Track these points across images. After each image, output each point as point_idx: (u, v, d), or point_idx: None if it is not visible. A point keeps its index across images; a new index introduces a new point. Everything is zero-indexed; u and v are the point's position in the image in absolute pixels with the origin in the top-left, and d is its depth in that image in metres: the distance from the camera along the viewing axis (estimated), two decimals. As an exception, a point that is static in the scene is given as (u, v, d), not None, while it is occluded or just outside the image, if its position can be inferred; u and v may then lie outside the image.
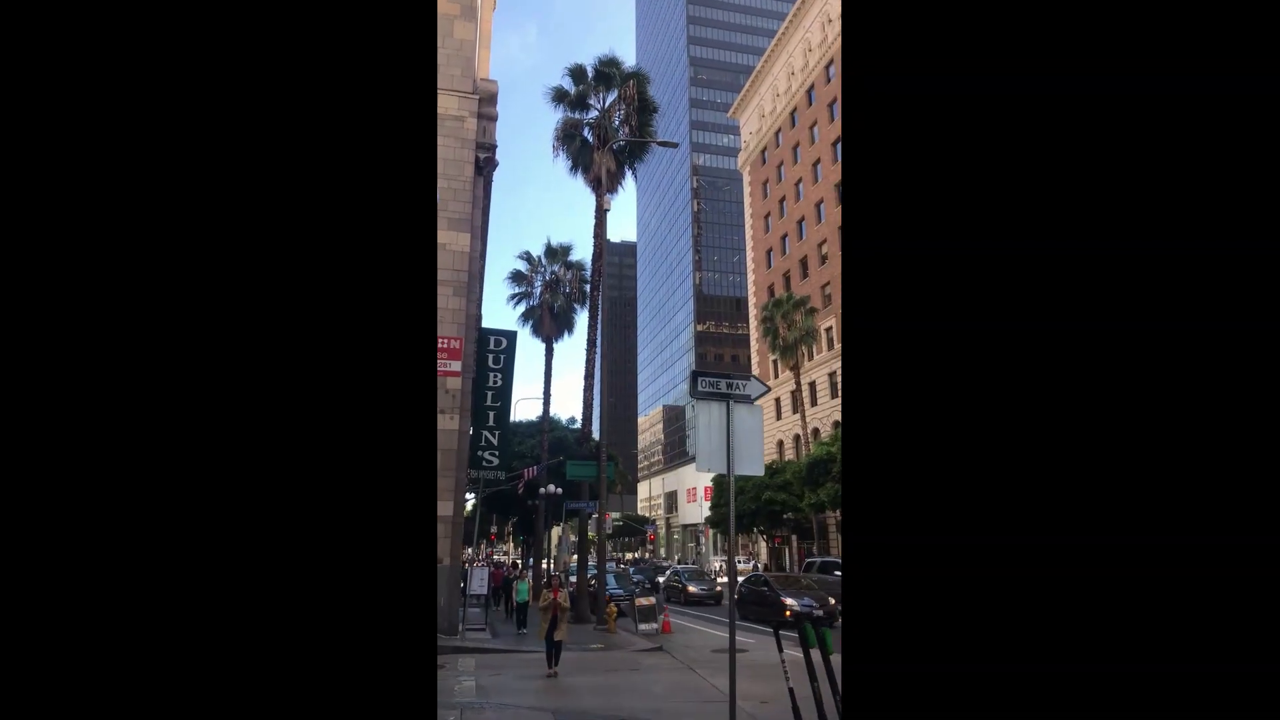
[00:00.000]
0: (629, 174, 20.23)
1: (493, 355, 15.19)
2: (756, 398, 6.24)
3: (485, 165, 16.15)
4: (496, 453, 14.84)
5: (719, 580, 23.04)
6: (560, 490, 26.48)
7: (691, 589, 21.93)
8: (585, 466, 16.09)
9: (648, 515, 72.94)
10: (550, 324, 28.40)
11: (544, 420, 28.85)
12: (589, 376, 19.06)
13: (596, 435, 20.89)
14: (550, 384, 28.37)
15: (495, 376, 15.11)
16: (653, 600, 15.55)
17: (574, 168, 19.82)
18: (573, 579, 21.38)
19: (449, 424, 14.16)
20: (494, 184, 16.94)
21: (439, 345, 14.21)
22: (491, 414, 14.95)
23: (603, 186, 18.98)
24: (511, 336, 15.92)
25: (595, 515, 16.40)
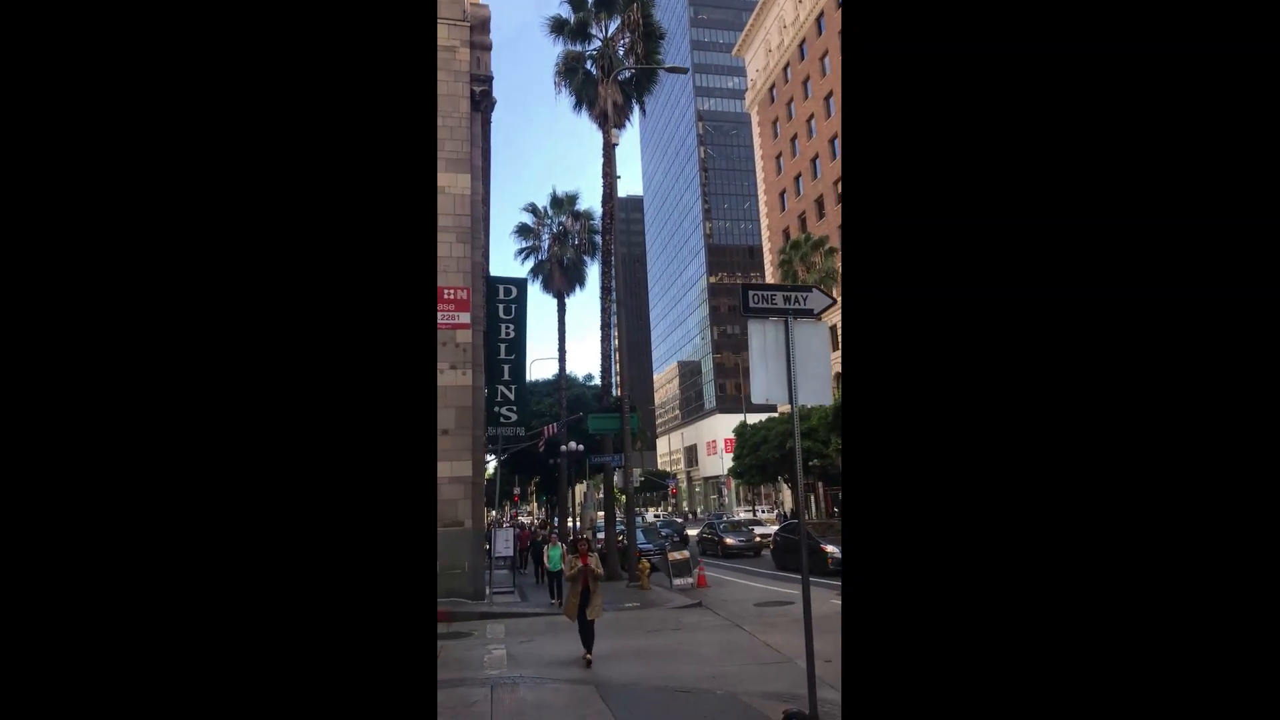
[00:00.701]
0: (636, 107, 18.86)
1: (503, 305, 14.21)
2: (820, 312, 5.23)
3: (482, 100, 14.89)
4: (514, 408, 13.98)
5: (757, 531, 22.24)
6: (582, 447, 25.94)
7: (729, 541, 21.14)
8: (607, 419, 15.22)
9: (668, 470, 72.88)
10: (560, 278, 27.32)
11: (560, 377, 28.13)
12: (605, 326, 18.08)
13: (616, 387, 19.97)
14: (564, 340, 27.50)
15: (507, 328, 14.15)
16: (686, 554, 14.89)
17: (578, 104, 18.49)
18: (600, 536, 20.83)
19: (462, 380, 13.27)
20: (494, 140, 15.72)
21: (444, 296, 13.24)
22: (506, 368, 14.04)
23: (609, 121, 17.66)
24: (521, 284, 14.93)
25: (620, 469, 15.59)
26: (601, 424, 15.33)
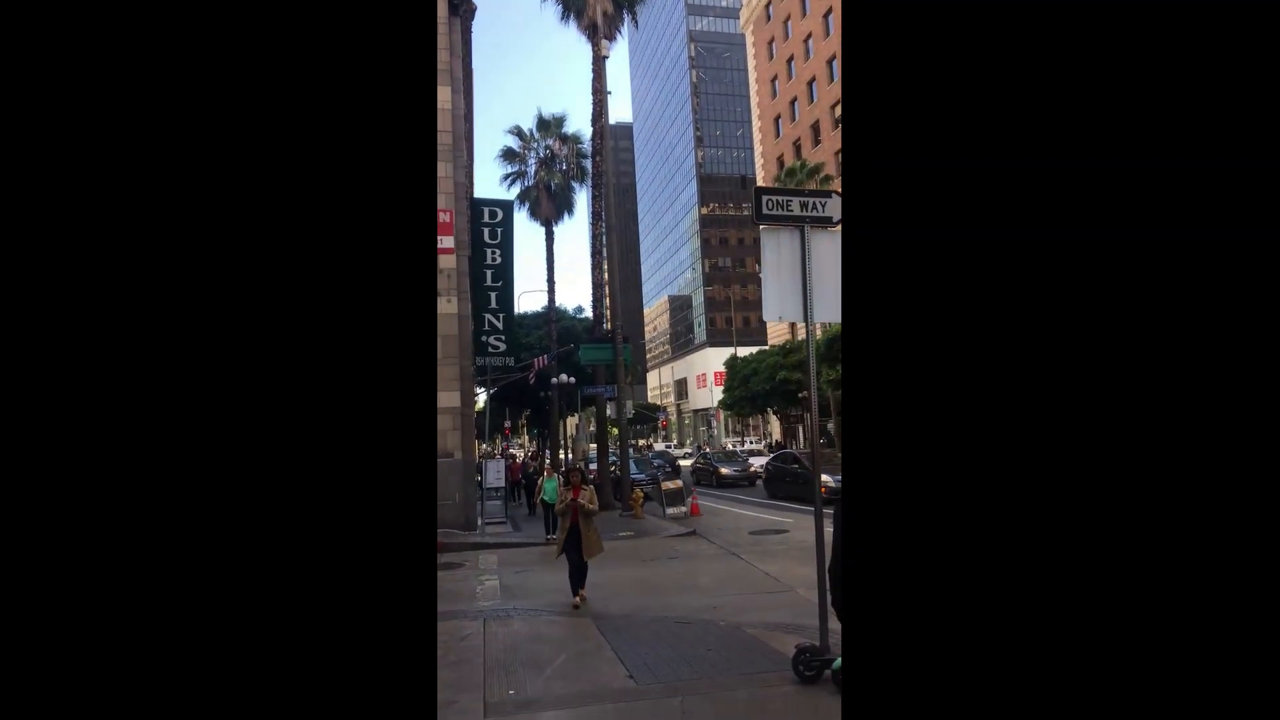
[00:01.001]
0: (627, 17, 17.64)
1: (488, 229, 13.51)
2: (838, 221, 4.73)
3: (460, 4, 13.76)
4: (503, 338, 13.50)
5: (752, 461, 22.15)
6: (573, 380, 25.66)
7: (724, 471, 21.04)
8: (600, 350, 14.80)
9: (658, 404, 73.27)
10: (548, 205, 26.34)
11: (550, 309, 27.54)
12: (596, 254, 17.43)
13: (606, 320, 19.47)
14: (553, 270, 26.79)
15: (493, 253, 13.51)
16: (679, 484, 14.80)
17: (565, 14, 17.26)
18: (593, 467, 20.75)
19: (447, 308, 12.72)
20: (476, 61, 14.58)
21: (427, 219, 12.54)
22: (493, 295, 13.47)
23: (599, 32, 16.53)
24: (508, 207, 14.19)
25: (613, 400, 15.29)
26: (594, 355, 14.91)
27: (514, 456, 23.55)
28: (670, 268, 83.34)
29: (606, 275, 16.49)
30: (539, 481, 12.95)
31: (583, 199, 29.50)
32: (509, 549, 11.20)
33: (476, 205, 13.78)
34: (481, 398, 24.56)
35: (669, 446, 54.85)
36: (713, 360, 59.11)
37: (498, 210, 13.70)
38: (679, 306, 79.95)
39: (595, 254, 17.24)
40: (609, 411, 17.10)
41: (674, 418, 75.61)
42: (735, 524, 12.85)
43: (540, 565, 9.33)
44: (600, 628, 5.52)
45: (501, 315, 13.44)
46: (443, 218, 12.75)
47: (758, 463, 20.68)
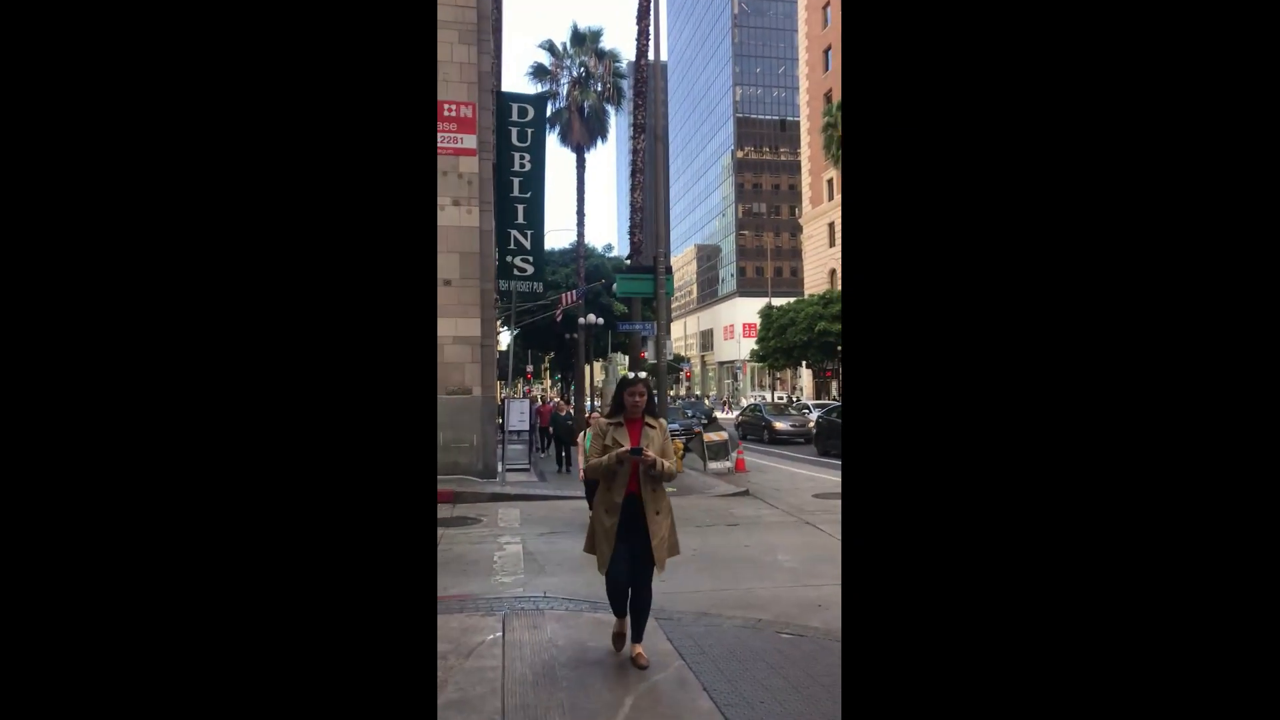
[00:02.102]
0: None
1: (516, 130, 11.46)
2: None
3: None
4: (530, 258, 11.58)
5: (810, 416, 20.05)
6: (601, 320, 23.88)
7: (778, 425, 19.01)
8: (638, 280, 12.84)
9: (682, 354, 71.44)
10: (580, 129, 24.10)
11: (578, 245, 25.60)
12: (636, 172, 15.30)
13: (624, 255, 17.41)
14: (584, 202, 24.68)
15: (521, 159, 11.49)
16: (724, 435, 13.05)
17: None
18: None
19: (466, 219, 10.83)
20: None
21: (444, 113, 10.55)
22: (520, 208, 11.50)
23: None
24: (540, 104, 12.10)
25: (652, 338, 13.40)
26: (631, 286, 12.96)
27: (542, 399, 21.53)
28: (698, 216, 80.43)
29: (641, 203, 14.39)
30: (579, 437, 8.73)
31: (617, 124, 27.13)
32: (533, 502, 9.57)
33: (503, 101, 11.70)
34: (505, 337, 22.91)
35: (698, 398, 53.37)
36: (741, 311, 56.98)
37: (528, 108, 11.62)
38: (706, 256, 77.35)
39: (635, 172, 15.14)
40: (644, 354, 15.26)
41: (698, 369, 73.83)
42: (792, 484, 11.13)
43: (571, 529, 7.66)
44: (672, 639, 3.77)
45: (529, 233, 11.49)
46: (464, 112, 10.75)
47: (814, 418, 18.61)
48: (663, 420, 3.65)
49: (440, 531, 7.47)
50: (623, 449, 3.30)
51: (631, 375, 3.60)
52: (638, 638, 3.47)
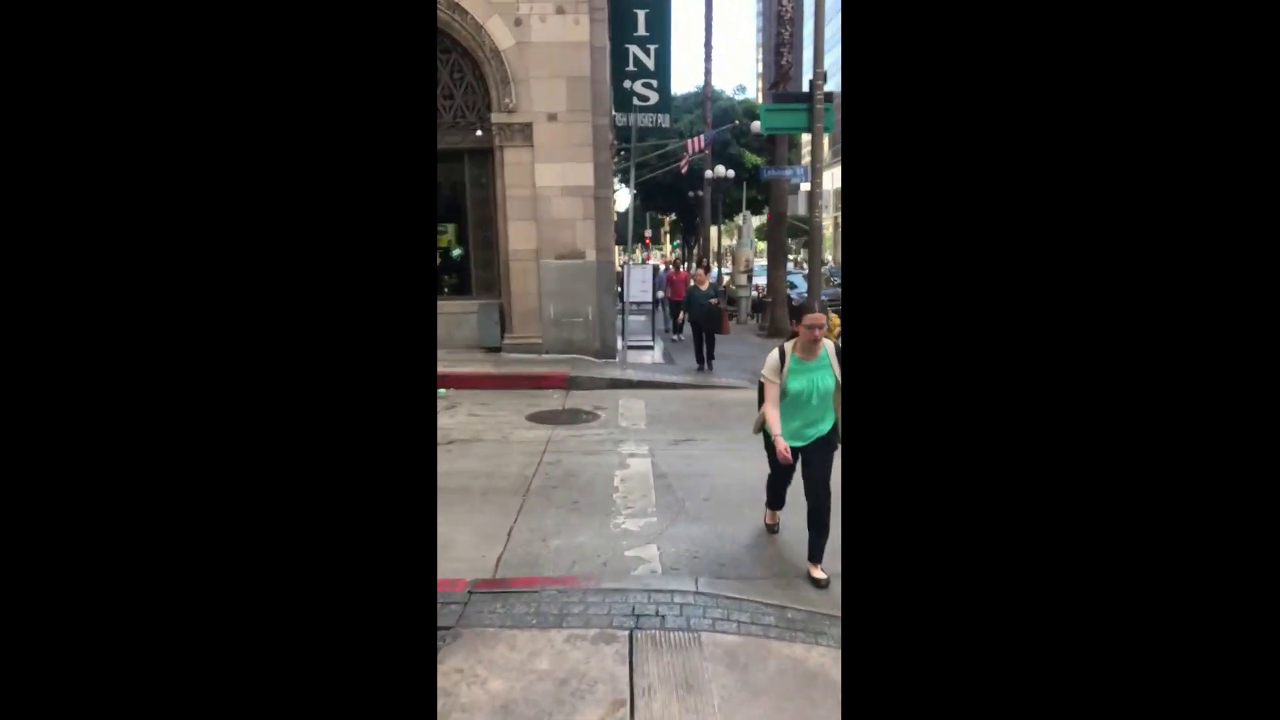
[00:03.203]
0: None
1: (635, -96, 8.65)
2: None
3: None
4: (653, 83, 9.14)
5: None
6: (731, 173, 21.03)
7: None
8: (789, 113, 10.08)
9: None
10: (710, -62, 20.06)
11: (706, 86, 22.22)
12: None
13: (761, 92, 14.14)
14: (711, 34, 21.09)
15: (642, -54, 8.74)
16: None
17: None
18: (758, 282, 16.74)
19: (574, 32, 8.48)
20: None
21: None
22: (641, 15, 8.91)
23: None
24: None
25: (806, 186, 10.78)
26: (779, 120, 10.23)
27: (674, 266, 18.90)
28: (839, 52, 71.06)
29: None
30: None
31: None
32: (661, 390, 7.88)
33: None
34: (623, 196, 20.69)
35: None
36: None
37: None
38: (845, 102, 68.92)
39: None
40: (792, 207, 12.66)
41: (829, 232, 68.32)
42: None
43: (713, 433, 5.86)
44: None
45: (653, 48, 8.96)
46: (564, -122, 8.09)
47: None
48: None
49: (549, 432, 5.93)
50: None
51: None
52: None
